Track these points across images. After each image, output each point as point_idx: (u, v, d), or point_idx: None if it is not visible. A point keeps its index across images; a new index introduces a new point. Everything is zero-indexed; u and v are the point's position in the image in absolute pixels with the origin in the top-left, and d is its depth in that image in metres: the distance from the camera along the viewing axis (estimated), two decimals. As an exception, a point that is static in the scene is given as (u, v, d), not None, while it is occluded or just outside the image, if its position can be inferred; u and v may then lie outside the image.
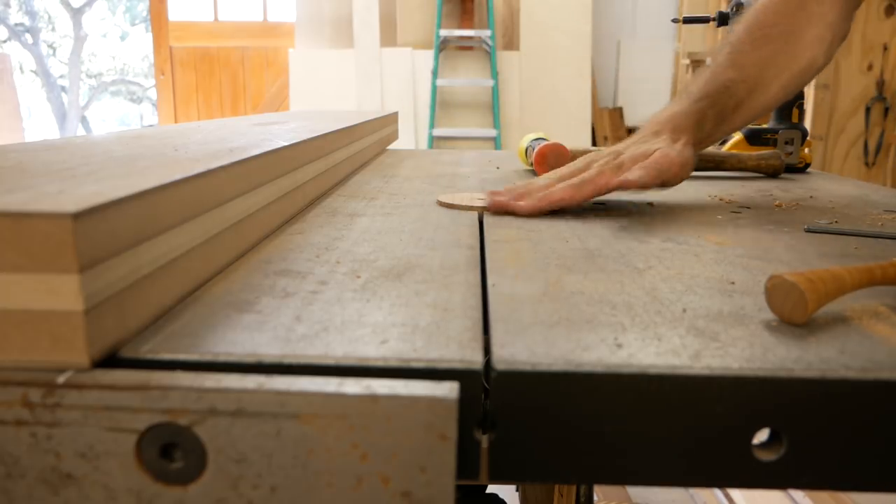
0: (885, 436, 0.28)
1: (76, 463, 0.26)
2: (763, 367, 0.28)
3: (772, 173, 0.90)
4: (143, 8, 6.21)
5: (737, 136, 0.98)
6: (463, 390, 0.27)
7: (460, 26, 3.81)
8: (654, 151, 0.61)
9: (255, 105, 4.23)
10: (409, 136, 3.73)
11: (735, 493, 1.56)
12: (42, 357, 0.26)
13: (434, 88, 3.76)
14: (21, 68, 6.23)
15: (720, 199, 0.70)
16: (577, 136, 3.81)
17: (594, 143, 4.03)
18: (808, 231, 0.56)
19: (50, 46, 6.43)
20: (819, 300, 0.34)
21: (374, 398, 0.25)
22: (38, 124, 6.38)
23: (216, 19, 4.29)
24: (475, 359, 0.28)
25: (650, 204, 0.66)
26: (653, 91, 4.10)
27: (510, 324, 0.33)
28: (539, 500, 0.94)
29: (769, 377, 0.28)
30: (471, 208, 0.61)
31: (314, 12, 3.91)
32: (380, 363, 0.28)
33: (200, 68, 4.25)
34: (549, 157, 0.79)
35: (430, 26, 3.74)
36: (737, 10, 0.94)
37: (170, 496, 0.26)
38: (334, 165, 0.74)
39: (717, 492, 1.57)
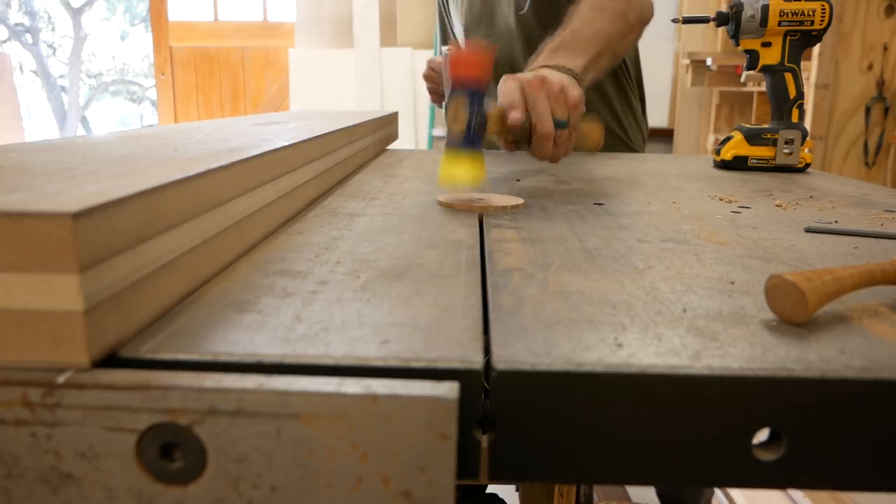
0: (885, 436, 0.28)
1: (76, 463, 0.26)
2: (763, 367, 0.28)
3: None
4: (143, 8, 6.21)
5: (736, 136, 0.98)
6: (463, 390, 0.27)
7: (460, 26, 3.80)
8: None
9: (255, 105, 4.22)
10: (409, 136, 3.72)
11: (735, 493, 1.56)
12: (42, 357, 0.26)
13: (434, 88, 3.75)
14: (21, 68, 6.23)
15: (720, 199, 0.70)
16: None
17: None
18: (808, 231, 0.56)
19: (50, 46, 6.42)
20: (819, 300, 0.34)
21: (374, 398, 0.25)
22: (38, 124, 6.38)
23: (216, 19, 4.29)
24: (475, 359, 0.28)
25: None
26: (653, 91, 4.09)
27: (510, 324, 0.33)
28: (539, 500, 0.94)
29: (769, 377, 0.28)
30: (471, 208, 0.61)
31: (314, 12, 3.91)
32: (380, 363, 0.28)
33: (200, 68, 4.25)
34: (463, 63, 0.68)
35: (430, 26, 3.74)
36: (735, 11, 0.94)
37: (170, 496, 0.26)
38: (334, 165, 0.74)
39: (717, 491, 1.57)
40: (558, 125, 0.78)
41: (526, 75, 0.80)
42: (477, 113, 0.70)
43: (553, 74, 0.81)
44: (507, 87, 0.77)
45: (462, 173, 0.71)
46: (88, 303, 0.26)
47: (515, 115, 0.75)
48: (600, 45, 0.91)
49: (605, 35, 0.92)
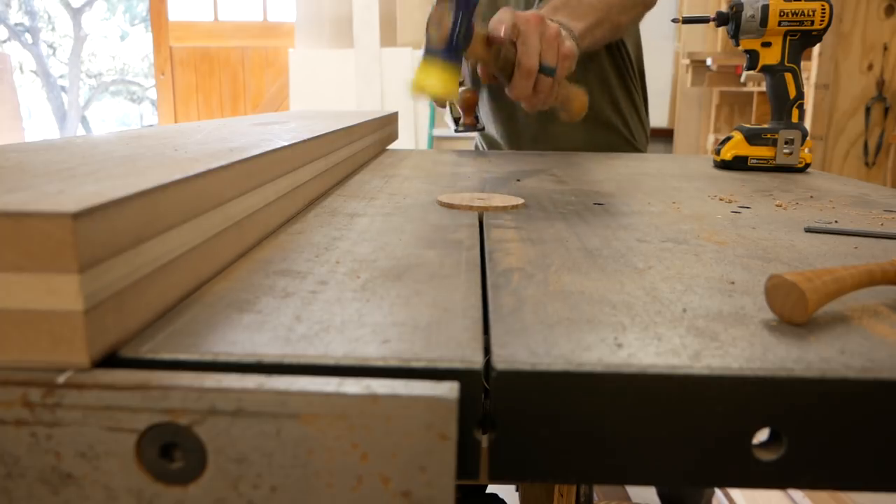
0: (886, 436, 0.28)
1: (76, 463, 0.26)
2: (763, 367, 0.28)
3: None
4: (143, 8, 6.21)
5: (736, 136, 0.98)
6: (463, 390, 0.27)
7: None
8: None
9: (255, 105, 4.22)
10: (409, 136, 3.72)
11: (735, 493, 1.56)
12: (42, 357, 0.26)
13: (434, 88, 3.74)
14: (21, 68, 6.23)
15: (720, 199, 0.70)
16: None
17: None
18: (808, 231, 0.56)
19: (50, 46, 6.43)
20: (819, 300, 0.34)
21: (374, 398, 0.25)
22: (38, 124, 6.38)
23: (216, 19, 4.29)
24: (475, 358, 0.28)
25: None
26: (653, 90, 4.08)
27: (510, 323, 0.33)
28: (539, 500, 0.94)
29: (769, 377, 0.28)
30: (471, 208, 0.61)
31: (314, 12, 3.91)
32: (380, 363, 0.28)
33: (200, 68, 4.25)
34: None
35: (430, 26, 3.73)
36: (735, 11, 0.94)
37: (170, 496, 0.26)
38: (334, 165, 0.74)
39: (718, 491, 1.57)
40: (545, 70, 0.75)
41: (524, 12, 0.78)
42: (463, 22, 0.67)
43: (552, 22, 0.78)
44: (501, 14, 0.75)
45: (434, 83, 0.67)
46: (88, 303, 0.26)
47: (500, 30, 0.72)
48: (601, 13, 0.90)
49: (608, 3, 0.91)
